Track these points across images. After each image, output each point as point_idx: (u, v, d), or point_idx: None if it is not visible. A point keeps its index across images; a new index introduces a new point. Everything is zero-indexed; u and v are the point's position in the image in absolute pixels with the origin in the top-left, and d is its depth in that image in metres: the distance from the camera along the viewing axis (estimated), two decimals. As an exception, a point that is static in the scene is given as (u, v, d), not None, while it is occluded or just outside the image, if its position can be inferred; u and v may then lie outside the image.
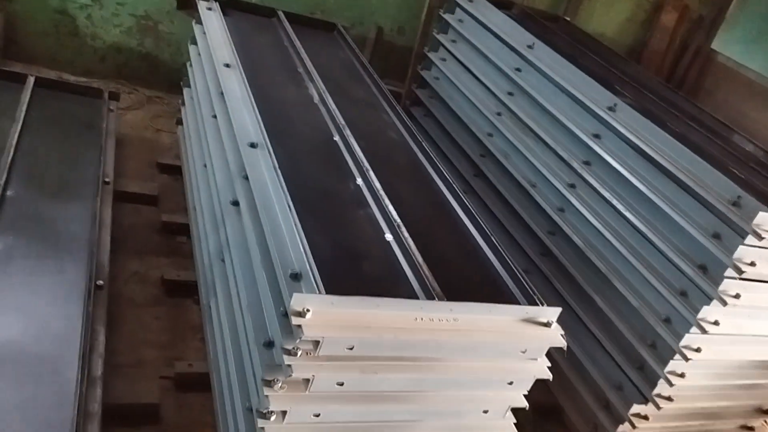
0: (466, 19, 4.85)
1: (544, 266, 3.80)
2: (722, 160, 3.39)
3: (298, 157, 3.07)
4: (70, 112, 4.21)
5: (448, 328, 2.29)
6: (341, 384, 2.20)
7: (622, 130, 3.40)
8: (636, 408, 3.16)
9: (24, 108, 3.92)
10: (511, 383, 2.48)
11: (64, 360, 2.57)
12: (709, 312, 2.87)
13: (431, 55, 5.12)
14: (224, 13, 4.40)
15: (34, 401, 2.38)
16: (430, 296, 2.36)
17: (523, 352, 2.42)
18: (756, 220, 2.67)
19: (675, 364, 3.02)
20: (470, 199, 4.40)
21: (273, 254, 2.31)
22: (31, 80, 4.23)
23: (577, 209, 3.59)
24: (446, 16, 5.01)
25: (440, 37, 5.05)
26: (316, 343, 2.08)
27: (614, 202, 3.37)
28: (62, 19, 5.04)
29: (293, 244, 2.31)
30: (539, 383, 3.55)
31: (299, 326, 2.05)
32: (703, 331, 2.85)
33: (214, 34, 3.91)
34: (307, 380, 2.16)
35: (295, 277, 2.22)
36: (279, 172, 2.71)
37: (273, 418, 2.21)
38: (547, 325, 2.46)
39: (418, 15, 5.73)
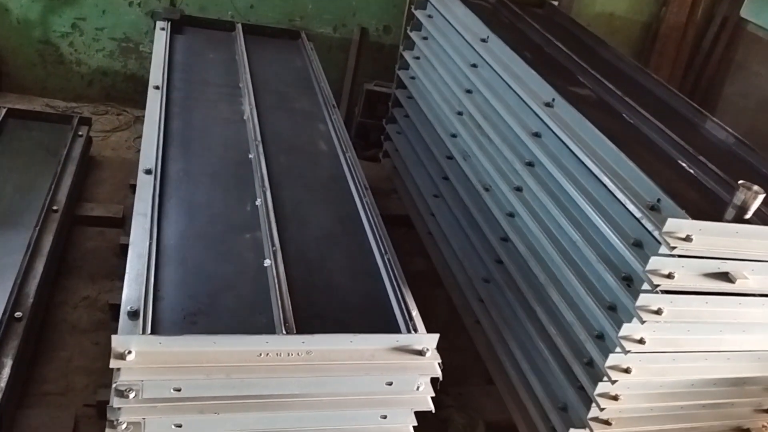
0: (435, 14, 4.63)
1: (498, 275, 3.57)
2: (669, 156, 3.05)
3: (200, 180, 3.01)
4: (37, 141, 4.33)
5: (300, 362, 2.17)
6: (179, 426, 2.12)
7: (556, 128, 3.12)
8: (574, 432, 2.90)
9: (-13, 141, 4.08)
10: (384, 417, 2.32)
11: (-39, 397, 2.63)
12: (632, 329, 2.58)
13: (406, 54, 4.93)
14: (181, 32, 4.42)
15: None
16: (283, 329, 2.24)
17: (390, 385, 2.25)
18: (666, 227, 2.36)
19: (606, 386, 2.73)
20: (436, 203, 4.29)
21: (123, 291, 2.27)
22: (2, 112, 4.39)
23: (521, 215, 3.34)
24: (417, 13, 4.80)
25: (413, 35, 4.85)
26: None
27: (550, 206, 3.10)
28: (46, 49, 5.21)
29: (136, 279, 2.25)
30: (496, 399, 3.40)
31: (118, 369, 1.99)
32: (624, 350, 2.56)
33: (155, 56, 3.91)
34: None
35: (133, 315, 2.16)
36: (157, 199, 2.66)
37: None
38: (422, 353, 2.28)
39: (403, 12, 5.55)
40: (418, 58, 4.82)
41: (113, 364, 1.97)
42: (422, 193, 4.53)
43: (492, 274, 3.62)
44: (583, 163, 2.93)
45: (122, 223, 4.28)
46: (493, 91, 3.74)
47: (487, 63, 3.83)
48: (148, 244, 2.42)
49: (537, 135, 3.31)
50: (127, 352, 1.99)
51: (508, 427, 3.40)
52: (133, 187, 4.60)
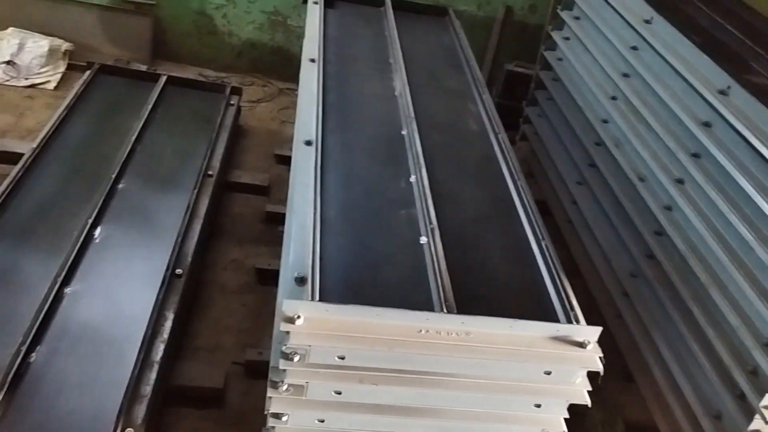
0: (591, -7, 4.44)
1: (648, 270, 3.40)
2: None
3: (355, 153, 3.04)
4: (193, 108, 4.55)
5: (458, 342, 2.15)
6: (339, 393, 2.17)
7: (731, 118, 2.90)
8: (731, 443, 2.73)
9: (150, 106, 4.32)
10: (539, 406, 2.27)
11: (129, 344, 2.82)
12: (814, 341, 2.38)
13: (555, 35, 4.76)
14: (331, 6, 4.47)
15: (93, 381, 2.65)
16: (443, 307, 2.22)
17: (548, 374, 2.19)
18: None
19: (775, 398, 2.55)
20: (580, 191, 4.13)
21: (284, 258, 2.33)
22: (162, 79, 4.64)
23: (682, 209, 3.15)
24: (570, -9, 4.62)
25: (564, 14, 4.67)
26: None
27: (718, 201, 2.91)
28: (202, 20, 5.46)
29: (302, 247, 2.31)
30: (635, 398, 3.27)
31: (287, 333, 2.06)
32: (803, 363, 2.37)
33: (309, 29, 3.98)
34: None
35: (300, 281, 2.22)
36: (319, 171, 2.71)
37: (284, 417, 2.25)
38: (582, 345, 2.20)
39: (551, -10, 5.36)
40: (567, 38, 4.64)
41: (283, 327, 2.03)
42: (564, 180, 4.39)
43: (641, 269, 3.46)
44: (763, 157, 2.72)
45: (268, 191, 4.44)
46: (656, 76, 3.54)
47: (651, 46, 3.63)
48: (312, 213, 2.46)
49: (707, 125, 3.10)
50: (296, 316, 2.04)
51: (648, 428, 3.27)
52: (278, 157, 4.79)
